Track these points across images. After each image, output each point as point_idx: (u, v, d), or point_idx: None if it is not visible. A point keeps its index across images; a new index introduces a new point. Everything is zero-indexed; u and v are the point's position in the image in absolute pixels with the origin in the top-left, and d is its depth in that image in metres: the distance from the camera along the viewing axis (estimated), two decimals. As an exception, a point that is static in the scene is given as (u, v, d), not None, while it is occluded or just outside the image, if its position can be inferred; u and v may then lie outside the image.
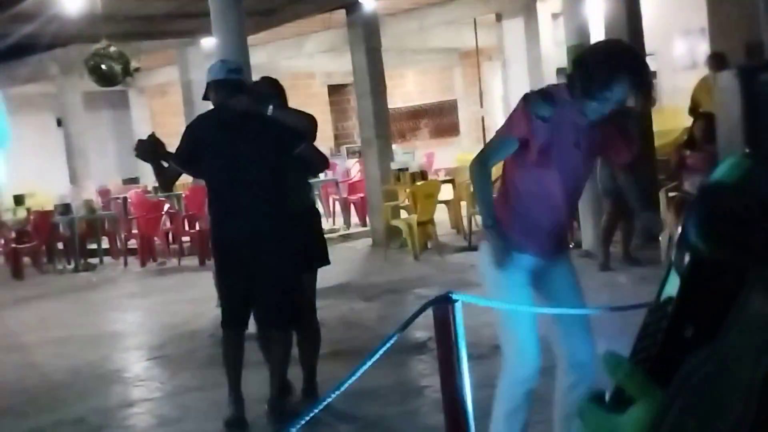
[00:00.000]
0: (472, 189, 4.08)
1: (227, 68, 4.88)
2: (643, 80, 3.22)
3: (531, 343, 3.30)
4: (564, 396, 3.42)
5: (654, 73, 13.00)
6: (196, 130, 4.83)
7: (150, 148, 4.79)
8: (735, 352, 0.67)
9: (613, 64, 3.17)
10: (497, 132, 3.44)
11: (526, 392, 3.34)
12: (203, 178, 4.92)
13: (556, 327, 3.41)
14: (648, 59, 11.07)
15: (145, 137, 4.90)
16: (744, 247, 0.69)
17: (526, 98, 3.32)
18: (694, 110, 9.49)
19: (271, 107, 4.91)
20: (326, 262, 5.17)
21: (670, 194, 7.94)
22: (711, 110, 8.17)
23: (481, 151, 3.44)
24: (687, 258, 0.74)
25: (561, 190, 3.32)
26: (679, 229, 0.77)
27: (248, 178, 4.63)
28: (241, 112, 4.72)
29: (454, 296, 2.90)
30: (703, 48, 11.83)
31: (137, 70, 10.95)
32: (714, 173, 0.77)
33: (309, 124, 5.07)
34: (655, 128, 9.94)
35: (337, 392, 2.76)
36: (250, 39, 7.57)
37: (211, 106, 4.89)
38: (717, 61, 9.61)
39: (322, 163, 5.12)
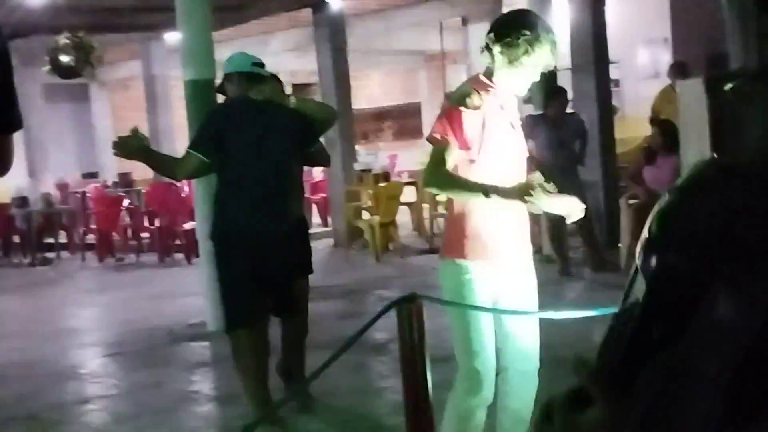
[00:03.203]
0: (443, 195, 3.89)
1: (251, 61, 4.86)
2: (554, 37, 3.25)
3: (490, 358, 3.27)
4: (509, 401, 3.39)
5: (617, 82, 13.21)
6: (221, 119, 4.75)
7: (137, 143, 4.65)
8: (701, 352, 0.68)
9: (533, 26, 3.20)
10: (431, 138, 3.27)
11: (481, 407, 3.30)
12: (223, 167, 4.68)
13: (504, 335, 3.35)
14: (611, 67, 11.18)
15: (111, 134, 4.81)
16: (710, 252, 0.70)
17: (451, 95, 3.33)
18: (654, 120, 9.61)
19: (293, 99, 4.94)
20: (311, 270, 5.05)
21: (630, 201, 8.02)
22: (672, 119, 8.27)
23: (426, 166, 3.32)
24: (653, 262, 0.75)
25: (509, 177, 3.24)
26: (645, 233, 0.77)
27: (274, 169, 4.64)
28: (268, 104, 4.72)
29: (418, 297, 2.90)
30: (665, 58, 11.99)
31: (100, 59, 10.83)
32: (681, 178, 0.78)
33: (333, 112, 5.26)
34: (617, 136, 10.06)
35: (300, 391, 2.75)
36: (215, 35, 7.51)
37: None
38: (679, 70, 9.75)
39: (329, 158, 5.34)
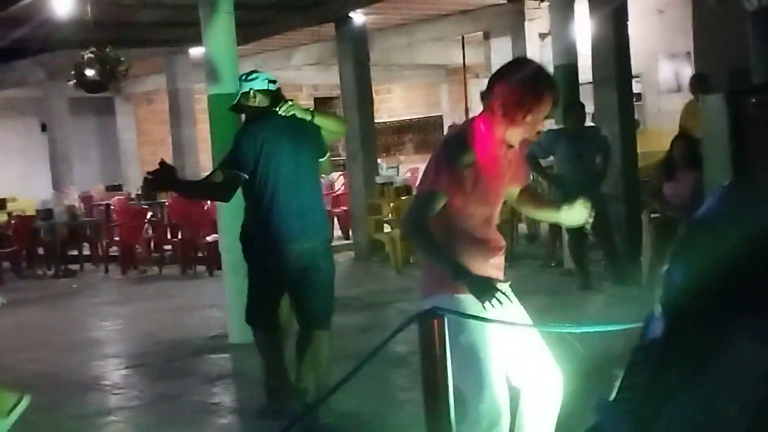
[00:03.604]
0: (419, 252, 3.82)
1: (267, 78, 5.02)
2: (558, 94, 3.20)
3: (503, 399, 3.20)
4: (532, 419, 3.36)
5: (639, 96, 13.16)
6: (257, 136, 4.85)
7: (167, 176, 4.78)
8: (722, 395, 0.67)
9: (536, 88, 3.12)
10: (420, 187, 3.28)
11: None
12: (264, 183, 4.81)
13: (521, 352, 3.30)
14: (634, 81, 11.13)
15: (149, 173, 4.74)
16: (729, 294, 0.69)
17: (446, 146, 3.23)
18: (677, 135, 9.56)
19: (311, 112, 5.08)
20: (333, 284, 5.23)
21: (652, 215, 7.98)
22: (697, 133, 8.23)
23: (409, 212, 3.30)
24: (672, 300, 0.74)
25: (492, 220, 3.28)
26: (664, 267, 0.77)
27: (307, 181, 4.90)
28: (294, 119, 4.90)
29: (440, 311, 2.90)
30: (688, 72, 11.94)
31: (125, 72, 10.92)
32: (701, 209, 0.77)
33: (345, 126, 5.49)
34: (639, 150, 10.02)
35: (322, 404, 2.76)
36: (239, 49, 7.57)
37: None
38: (699, 82, 9.70)
39: (331, 165, 5.56)
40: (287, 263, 4.76)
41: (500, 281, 3.20)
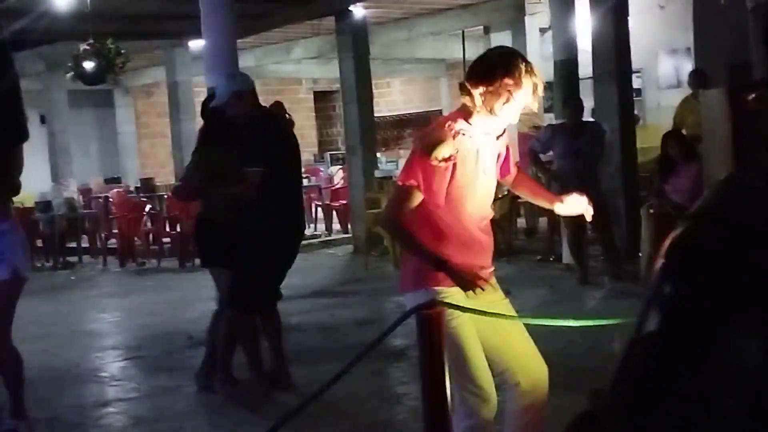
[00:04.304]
0: (399, 246, 3.89)
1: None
2: (537, 79, 3.15)
3: (489, 382, 3.24)
4: (521, 416, 3.37)
5: (639, 91, 13.15)
6: (268, 134, 5.15)
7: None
8: (716, 387, 0.67)
9: (508, 67, 3.09)
10: (398, 182, 3.31)
11: (490, 418, 3.27)
12: (277, 176, 5.09)
13: (508, 349, 3.32)
14: (633, 77, 11.12)
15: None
16: (726, 288, 0.69)
17: (422, 141, 3.22)
18: (671, 131, 9.55)
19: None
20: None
21: (651, 210, 7.98)
22: (695, 130, 8.23)
23: (387, 207, 3.35)
24: (669, 293, 0.74)
25: (479, 218, 3.27)
26: (660, 261, 0.76)
27: (300, 176, 5.71)
28: (281, 118, 5.33)
29: (437, 304, 2.91)
30: (688, 67, 11.92)
31: (123, 66, 10.91)
32: (700, 201, 0.77)
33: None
34: (638, 145, 10.01)
35: (318, 397, 2.77)
36: (239, 42, 7.56)
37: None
38: (698, 78, 9.70)
39: None
40: (284, 251, 5.32)
41: (483, 269, 3.21)
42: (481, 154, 3.23)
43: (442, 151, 3.12)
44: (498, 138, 3.31)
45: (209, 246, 5.50)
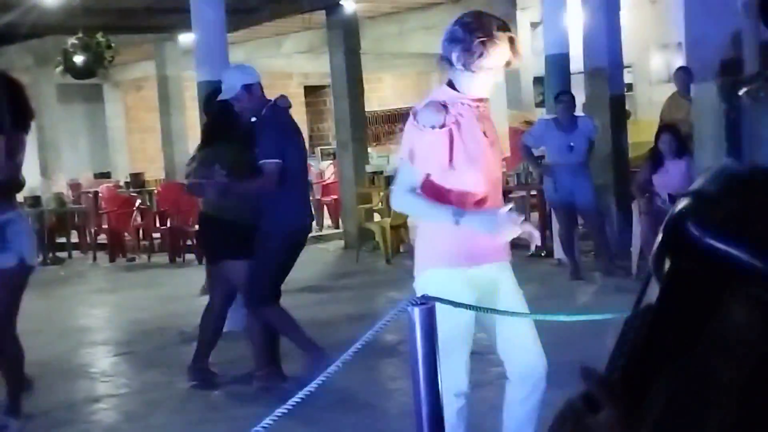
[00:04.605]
0: (412, 216, 3.92)
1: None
2: (511, 34, 3.20)
3: (462, 367, 3.27)
4: (516, 408, 3.38)
5: (630, 86, 13.17)
6: (280, 127, 5.13)
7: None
8: (716, 358, 0.67)
9: (484, 31, 3.13)
10: (400, 160, 3.33)
11: (458, 410, 3.29)
12: (286, 170, 5.07)
13: (505, 340, 3.34)
14: (625, 71, 11.14)
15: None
16: (725, 258, 0.69)
17: (414, 115, 3.24)
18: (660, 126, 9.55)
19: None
20: None
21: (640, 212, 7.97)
22: (684, 126, 8.22)
23: (394, 186, 3.37)
24: (667, 267, 0.74)
25: (486, 184, 3.26)
26: (659, 238, 0.76)
27: (306, 169, 5.68)
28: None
29: (430, 299, 2.89)
30: (679, 62, 11.93)
31: (112, 60, 10.87)
32: (696, 183, 0.77)
33: None
34: (629, 140, 10.03)
35: (306, 392, 2.75)
36: (229, 37, 7.53)
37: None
38: (683, 75, 9.69)
39: None
40: (295, 245, 5.35)
41: (503, 209, 3.21)
42: (477, 117, 3.25)
43: (433, 117, 3.15)
44: (484, 102, 3.31)
45: (220, 241, 5.34)
